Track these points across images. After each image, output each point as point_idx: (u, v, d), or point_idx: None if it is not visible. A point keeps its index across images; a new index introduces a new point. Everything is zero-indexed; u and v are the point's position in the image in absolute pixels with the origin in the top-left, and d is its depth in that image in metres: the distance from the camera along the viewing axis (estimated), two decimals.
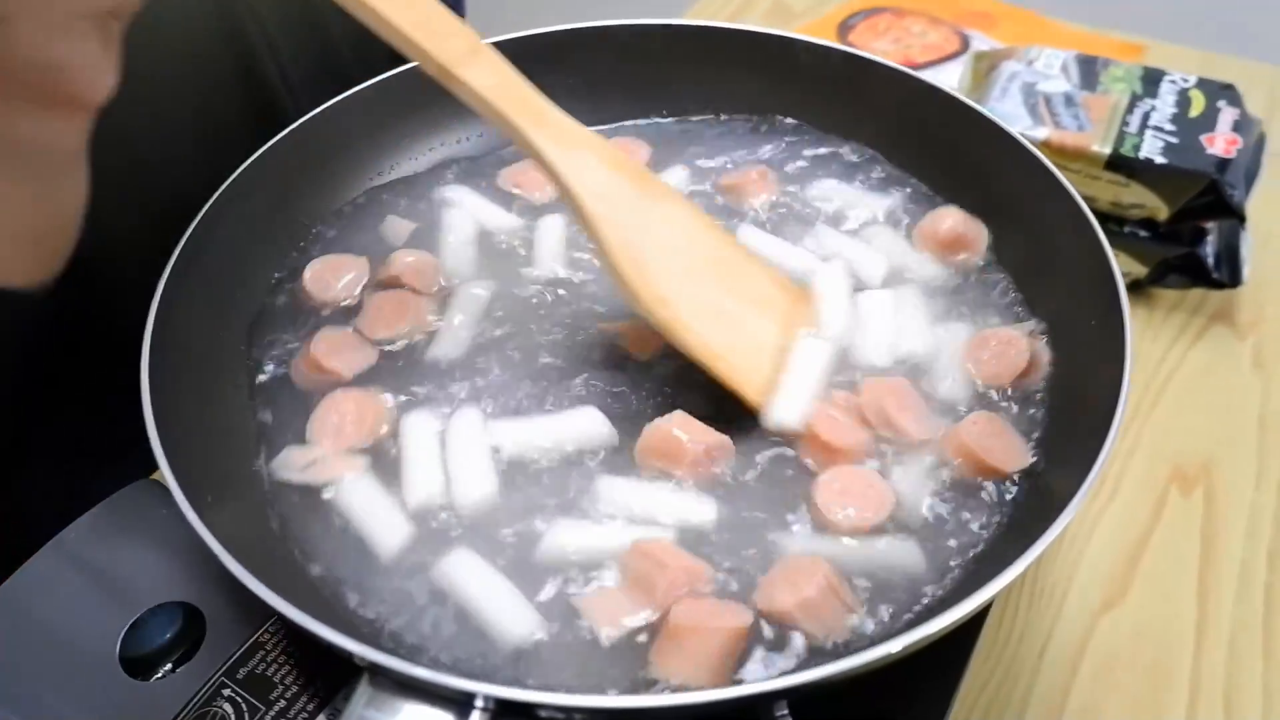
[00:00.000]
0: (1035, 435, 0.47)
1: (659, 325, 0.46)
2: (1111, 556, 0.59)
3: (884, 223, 0.57)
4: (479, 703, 0.33)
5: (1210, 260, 0.68)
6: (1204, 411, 0.66)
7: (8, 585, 0.47)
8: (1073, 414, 0.46)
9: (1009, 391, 0.48)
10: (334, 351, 0.51)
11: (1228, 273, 0.68)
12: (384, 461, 0.48)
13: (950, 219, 0.55)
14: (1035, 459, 0.45)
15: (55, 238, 0.54)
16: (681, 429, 0.45)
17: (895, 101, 0.60)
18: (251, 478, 0.47)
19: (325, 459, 0.48)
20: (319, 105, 0.61)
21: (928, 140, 0.59)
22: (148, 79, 0.63)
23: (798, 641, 0.40)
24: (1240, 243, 0.68)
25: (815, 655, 0.39)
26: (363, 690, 0.34)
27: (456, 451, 0.47)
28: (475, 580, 0.42)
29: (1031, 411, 0.48)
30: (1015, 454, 0.45)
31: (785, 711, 0.37)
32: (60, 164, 0.49)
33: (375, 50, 0.89)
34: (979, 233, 0.55)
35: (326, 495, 0.47)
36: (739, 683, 0.37)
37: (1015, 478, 0.45)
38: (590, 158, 0.46)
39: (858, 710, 0.41)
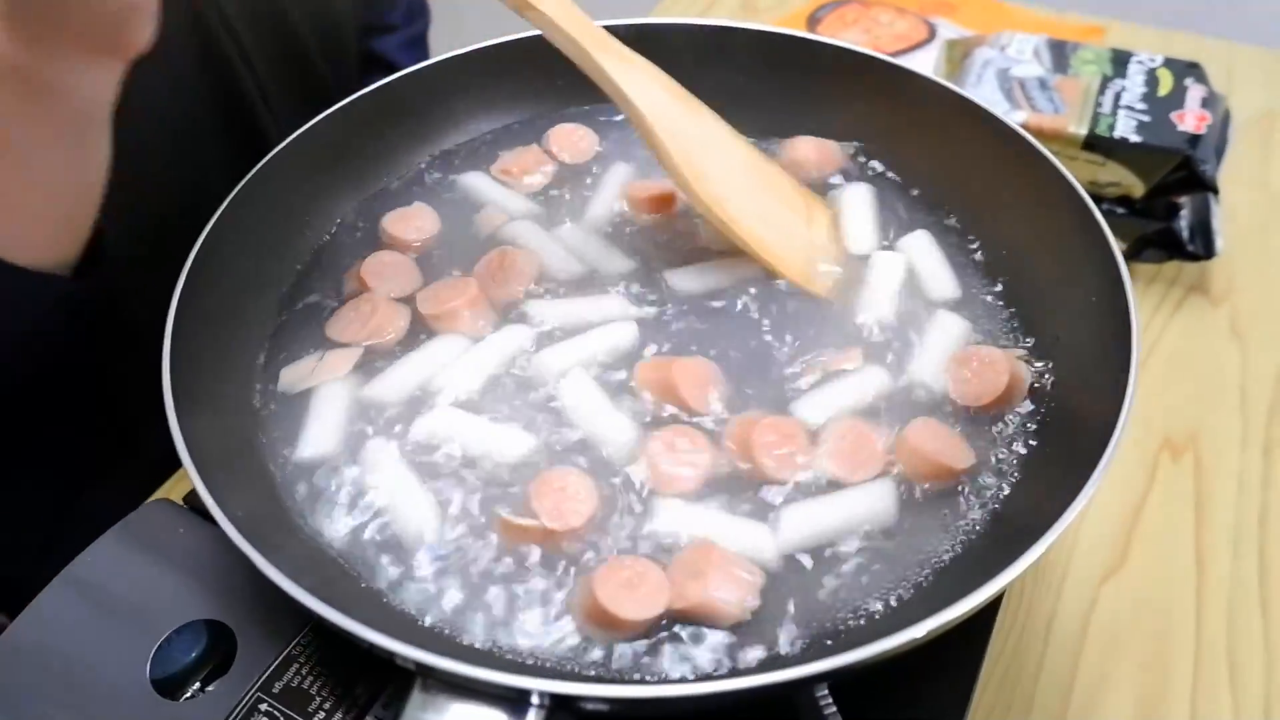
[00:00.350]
0: (1037, 418, 0.48)
1: (717, 221, 0.52)
2: (1109, 526, 0.60)
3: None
4: (534, 699, 0.33)
5: (1185, 234, 0.70)
6: (1187, 380, 0.68)
7: (23, 619, 0.46)
8: (1078, 389, 0.47)
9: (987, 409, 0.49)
10: (380, 271, 0.55)
11: (1202, 245, 0.70)
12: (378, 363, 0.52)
13: (804, 144, 0.61)
14: (977, 459, 0.46)
15: (80, 212, 0.53)
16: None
17: (882, 93, 0.61)
18: (280, 486, 0.47)
19: (327, 357, 0.52)
20: (295, 117, 0.61)
21: (908, 127, 0.60)
22: (130, 92, 0.62)
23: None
24: (1211, 215, 0.71)
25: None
26: (416, 695, 0.34)
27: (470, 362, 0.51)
28: (390, 477, 0.47)
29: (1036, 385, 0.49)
30: (961, 453, 0.46)
31: (825, 691, 0.38)
32: (92, 121, 0.49)
33: (347, 61, 0.89)
34: (834, 152, 0.61)
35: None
36: (775, 667, 0.38)
37: (1012, 469, 0.46)
38: (645, 78, 0.52)
39: (887, 695, 0.43)
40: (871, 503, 0.45)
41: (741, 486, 0.46)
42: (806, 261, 0.54)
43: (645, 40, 0.64)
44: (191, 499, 0.53)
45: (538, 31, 0.63)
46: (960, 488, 0.45)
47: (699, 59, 0.65)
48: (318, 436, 0.49)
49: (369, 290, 0.55)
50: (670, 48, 0.65)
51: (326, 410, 0.50)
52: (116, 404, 0.73)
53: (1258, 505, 0.61)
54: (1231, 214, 0.75)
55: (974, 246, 0.56)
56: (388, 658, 0.35)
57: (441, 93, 0.62)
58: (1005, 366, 0.49)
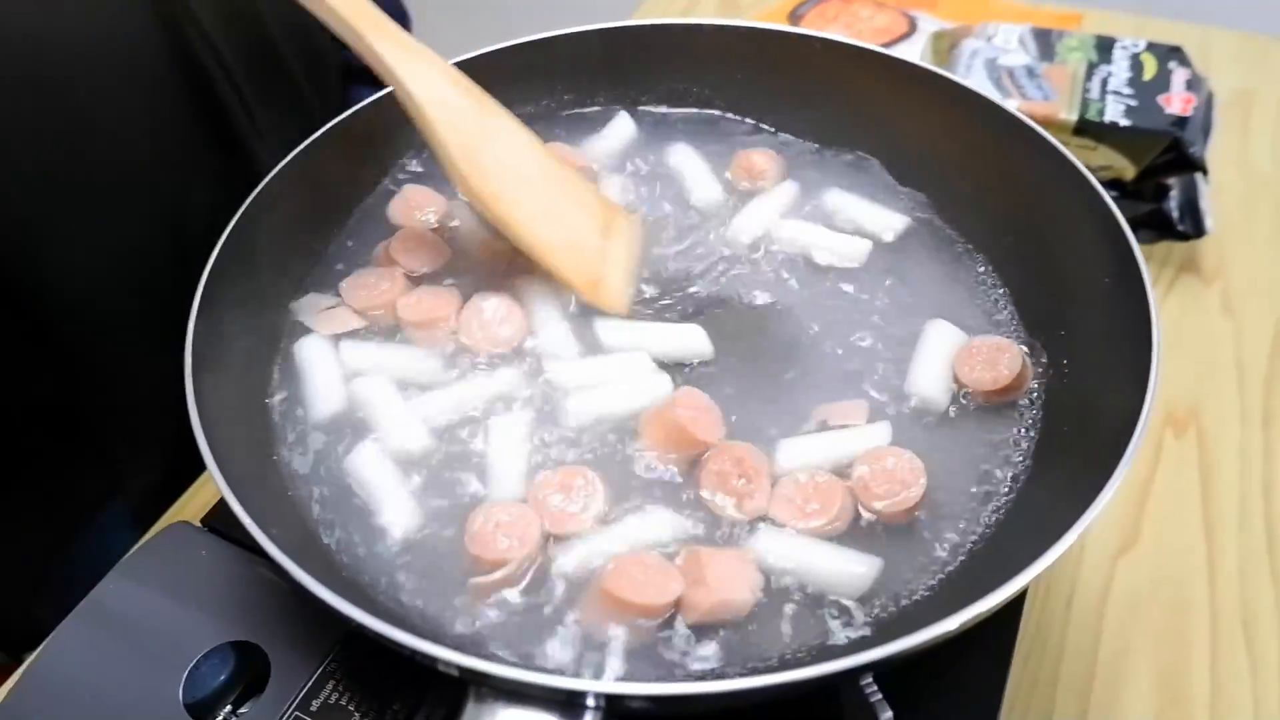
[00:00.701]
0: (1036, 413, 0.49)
1: (495, 219, 0.51)
2: (1120, 503, 0.61)
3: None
4: (590, 701, 0.33)
5: (1175, 214, 0.71)
6: (1184, 357, 0.69)
7: (46, 650, 0.45)
8: (1092, 374, 0.48)
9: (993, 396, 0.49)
10: (409, 248, 0.57)
11: (1191, 224, 0.72)
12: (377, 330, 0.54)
13: (757, 154, 0.62)
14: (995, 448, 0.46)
15: None
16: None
17: (876, 86, 0.61)
18: (297, 500, 0.47)
19: (338, 311, 0.54)
20: (278, 126, 0.60)
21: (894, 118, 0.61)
22: (104, 108, 0.61)
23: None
24: (1199, 195, 0.72)
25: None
26: (470, 706, 0.34)
27: None
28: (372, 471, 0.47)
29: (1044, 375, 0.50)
30: (915, 473, 0.45)
31: (870, 679, 0.39)
32: None
33: (327, 68, 0.88)
34: (780, 164, 0.62)
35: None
36: (824, 658, 0.38)
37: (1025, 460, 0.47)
38: (431, 70, 0.51)
39: (925, 678, 0.43)
40: (847, 567, 0.43)
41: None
42: (595, 272, 0.53)
43: (633, 41, 0.65)
44: (210, 520, 0.52)
45: (498, 47, 0.63)
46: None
47: (686, 60, 0.66)
48: (325, 397, 0.50)
49: (395, 265, 0.56)
50: (659, 49, 0.66)
51: (323, 376, 0.52)
52: (88, 426, 0.72)
53: (1261, 476, 0.62)
54: (1217, 193, 0.77)
55: (974, 238, 0.56)
56: (430, 665, 0.35)
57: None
58: (1015, 350, 0.50)
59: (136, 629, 0.45)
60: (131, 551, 0.49)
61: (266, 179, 0.54)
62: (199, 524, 0.51)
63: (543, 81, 0.65)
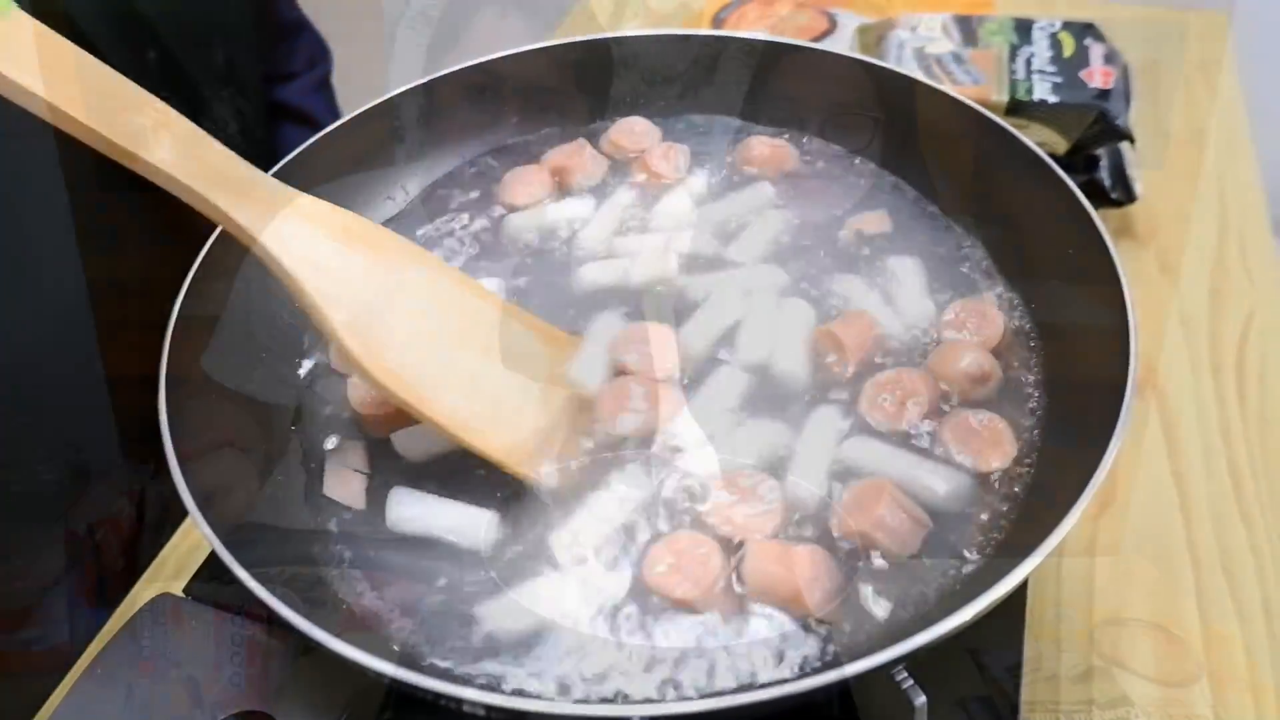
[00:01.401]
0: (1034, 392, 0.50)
1: (394, 400, 0.44)
2: None
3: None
4: None
5: (1107, 183, 0.74)
6: None
7: None
8: (1076, 350, 0.49)
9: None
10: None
11: (1123, 192, 0.75)
12: None
13: (758, 144, 0.63)
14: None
15: None
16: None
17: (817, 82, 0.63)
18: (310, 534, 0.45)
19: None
20: None
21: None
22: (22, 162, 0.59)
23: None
24: (1126, 164, 0.75)
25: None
26: None
27: None
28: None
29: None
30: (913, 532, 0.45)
31: (900, 667, 0.39)
32: None
33: (255, 110, 0.86)
34: (787, 152, 0.63)
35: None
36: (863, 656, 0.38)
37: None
38: (308, 227, 0.43)
39: (946, 657, 0.44)
40: (936, 482, 0.45)
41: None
42: (528, 440, 0.47)
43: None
44: (193, 589, 0.50)
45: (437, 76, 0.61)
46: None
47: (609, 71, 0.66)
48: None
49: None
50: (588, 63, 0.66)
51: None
52: (48, 478, 0.69)
53: (1218, 423, 0.65)
54: (1140, 160, 0.80)
55: (950, 217, 0.58)
56: (457, 709, 0.35)
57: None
58: (994, 308, 0.51)
59: (133, 713, 0.43)
60: (115, 633, 0.46)
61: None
62: (181, 594, 0.49)
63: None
